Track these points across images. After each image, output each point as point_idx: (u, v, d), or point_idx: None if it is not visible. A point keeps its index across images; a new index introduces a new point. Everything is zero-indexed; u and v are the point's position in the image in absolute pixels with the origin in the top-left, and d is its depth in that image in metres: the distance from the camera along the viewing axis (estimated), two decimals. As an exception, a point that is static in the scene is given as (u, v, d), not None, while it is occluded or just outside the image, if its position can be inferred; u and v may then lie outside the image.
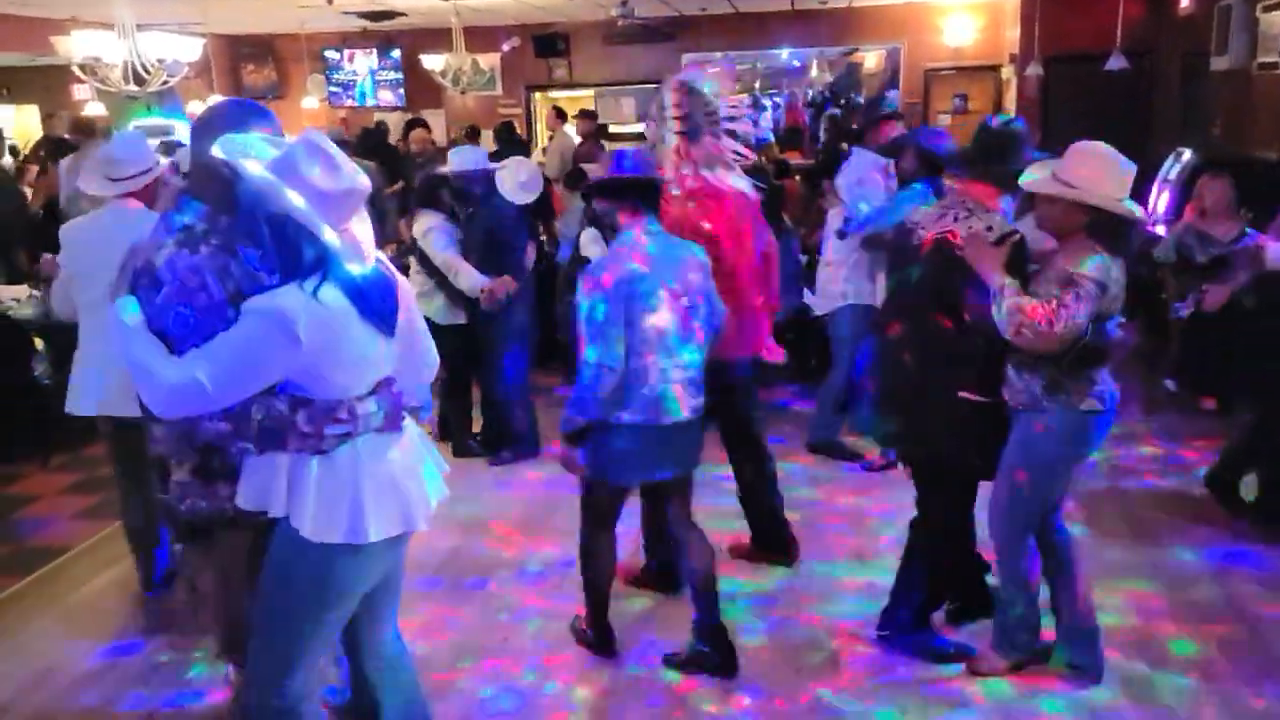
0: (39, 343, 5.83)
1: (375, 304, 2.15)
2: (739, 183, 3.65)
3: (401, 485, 2.24)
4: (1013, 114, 11.04)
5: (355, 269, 2.10)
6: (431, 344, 2.50)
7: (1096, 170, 2.83)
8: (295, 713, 2.29)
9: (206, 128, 2.19)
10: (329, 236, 2.04)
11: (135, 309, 2.05)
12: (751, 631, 3.52)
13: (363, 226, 2.18)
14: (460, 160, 5.07)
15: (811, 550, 4.06)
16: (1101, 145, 2.90)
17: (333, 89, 13.64)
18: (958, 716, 3.04)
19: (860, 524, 4.38)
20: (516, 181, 5.15)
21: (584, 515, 3.31)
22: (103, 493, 4.75)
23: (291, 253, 2.02)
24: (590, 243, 6.52)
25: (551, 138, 11.12)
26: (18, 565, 4.23)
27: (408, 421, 2.34)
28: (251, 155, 2.04)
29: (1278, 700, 3.06)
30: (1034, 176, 2.92)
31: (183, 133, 8.54)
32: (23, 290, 5.93)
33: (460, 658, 3.42)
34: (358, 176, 2.11)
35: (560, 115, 11.22)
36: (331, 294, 2.05)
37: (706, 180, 3.59)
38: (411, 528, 2.27)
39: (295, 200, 2.01)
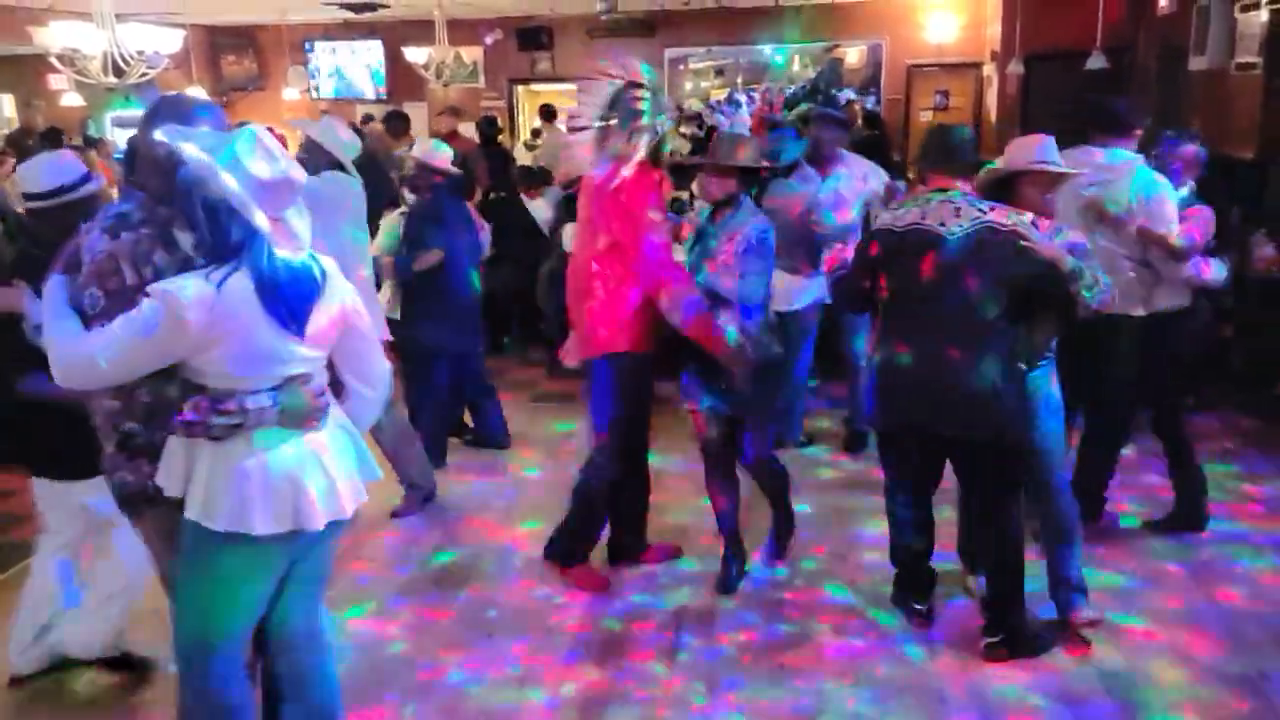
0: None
1: (284, 299, 2.17)
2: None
3: (300, 483, 2.23)
4: (994, 111, 11.15)
5: (284, 254, 2.18)
6: (379, 357, 2.51)
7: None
8: (222, 693, 2.31)
9: (152, 119, 2.27)
10: (260, 220, 2.13)
11: (58, 287, 2.21)
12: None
13: (300, 219, 2.27)
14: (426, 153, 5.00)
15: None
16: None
17: (314, 79, 13.57)
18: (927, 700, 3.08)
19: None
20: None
21: None
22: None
23: (221, 235, 2.13)
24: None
25: (535, 133, 11.08)
26: (-7, 561, 4.18)
27: (337, 419, 2.36)
28: (192, 141, 2.12)
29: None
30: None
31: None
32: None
33: (442, 654, 3.42)
34: (292, 168, 2.21)
35: (549, 114, 11.15)
36: (239, 285, 2.12)
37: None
38: (305, 527, 2.25)
39: (229, 183, 2.10)
